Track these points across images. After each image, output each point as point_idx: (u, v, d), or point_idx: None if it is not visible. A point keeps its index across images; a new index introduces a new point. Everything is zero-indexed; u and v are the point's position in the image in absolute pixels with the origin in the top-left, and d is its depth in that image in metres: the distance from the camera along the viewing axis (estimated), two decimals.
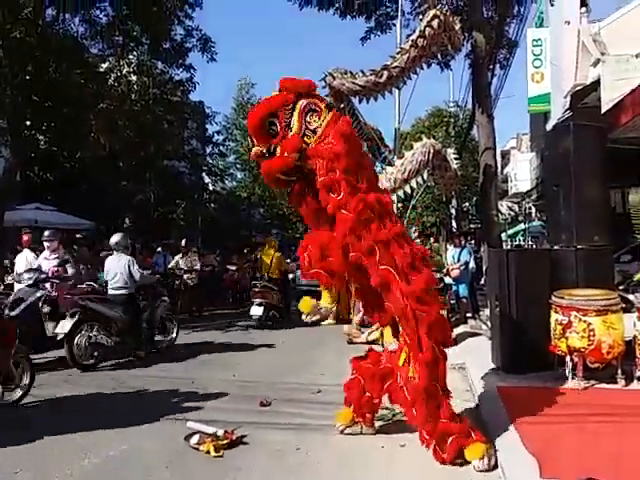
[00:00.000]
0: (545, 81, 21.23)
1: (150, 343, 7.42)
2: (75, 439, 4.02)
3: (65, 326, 6.26)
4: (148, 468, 3.55)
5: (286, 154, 3.65)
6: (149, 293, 7.71)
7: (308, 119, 3.71)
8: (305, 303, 3.84)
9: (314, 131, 3.69)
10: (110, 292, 7.03)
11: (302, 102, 3.72)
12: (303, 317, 3.97)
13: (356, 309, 8.64)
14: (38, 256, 7.77)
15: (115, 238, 7.32)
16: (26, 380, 4.96)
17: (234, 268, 14.06)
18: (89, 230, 13.70)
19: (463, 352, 6.96)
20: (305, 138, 3.69)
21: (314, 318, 4.02)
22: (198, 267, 12.12)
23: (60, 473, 3.47)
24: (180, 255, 12.13)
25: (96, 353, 6.53)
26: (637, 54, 15.85)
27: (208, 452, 3.72)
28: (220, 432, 3.90)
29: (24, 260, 7.81)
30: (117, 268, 7.04)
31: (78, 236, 11.39)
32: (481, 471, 3.38)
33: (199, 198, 21.66)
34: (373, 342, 7.80)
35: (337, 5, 11.37)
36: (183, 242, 12.36)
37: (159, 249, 13.22)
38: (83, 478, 3.44)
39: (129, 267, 7.02)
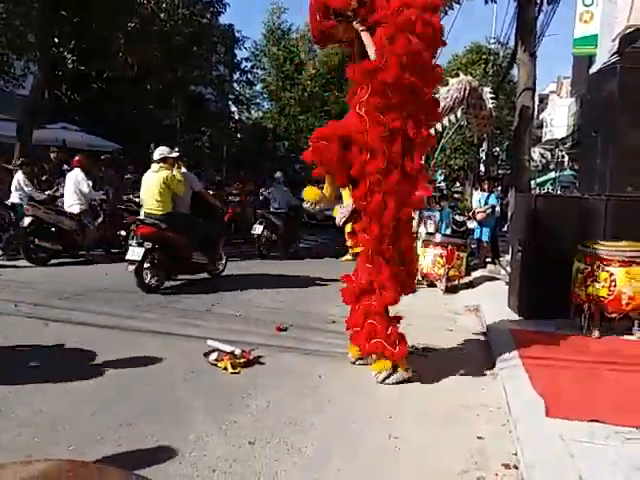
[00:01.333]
0: (594, 21, 19.91)
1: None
2: (97, 350, 4.19)
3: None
4: (167, 381, 3.73)
5: None
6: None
7: None
8: (309, 191, 3.81)
9: None
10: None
11: None
12: (306, 204, 3.92)
13: None
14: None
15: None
16: None
17: (236, 200, 13.19)
18: (114, 152, 13.75)
19: (480, 295, 7.00)
20: None
21: (318, 207, 3.99)
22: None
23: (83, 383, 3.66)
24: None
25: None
26: None
27: (225, 369, 3.89)
28: (238, 351, 4.05)
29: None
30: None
31: (103, 157, 11.44)
32: (380, 382, 3.79)
33: (225, 126, 21.41)
34: None
35: None
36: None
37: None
38: (103, 391, 3.55)
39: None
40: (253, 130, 24.99)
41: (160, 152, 6.69)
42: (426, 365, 4.16)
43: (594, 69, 18.30)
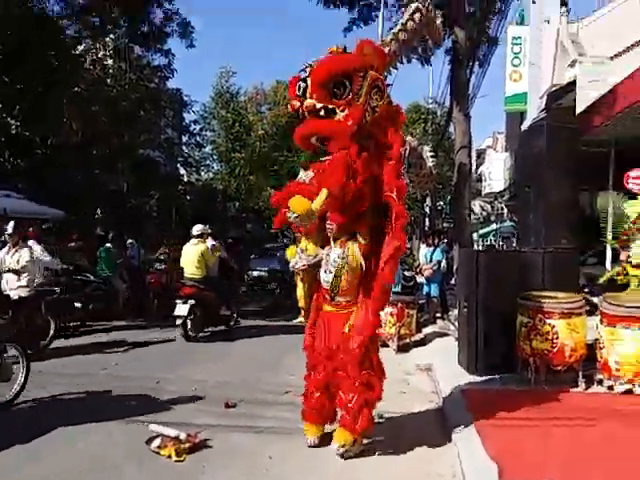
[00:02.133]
0: (523, 80, 21.44)
1: None
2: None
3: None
4: (105, 473, 3.46)
5: (350, 122, 3.44)
6: None
7: (373, 95, 3.54)
8: (298, 201, 3.69)
9: (373, 109, 3.52)
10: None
11: (373, 74, 3.55)
12: (291, 265, 3.96)
13: None
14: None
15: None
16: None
17: (161, 268, 11.01)
18: (58, 220, 13.34)
19: (431, 353, 7.01)
20: (366, 113, 3.52)
21: (300, 265, 3.94)
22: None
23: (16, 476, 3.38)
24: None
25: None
26: (612, 56, 16.11)
27: (169, 456, 3.65)
28: (183, 435, 3.83)
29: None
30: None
31: (44, 227, 11.06)
32: (339, 455, 3.65)
33: (174, 189, 21.31)
34: None
35: None
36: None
37: (130, 241, 12.87)
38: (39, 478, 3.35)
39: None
40: (203, 192, 24.97)
41: (197, 229, 8.48)
42: (382, 432, 4.06)
43: (525, 125, 19.57)
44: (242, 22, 75.10)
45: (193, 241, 8.45)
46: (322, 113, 3.48)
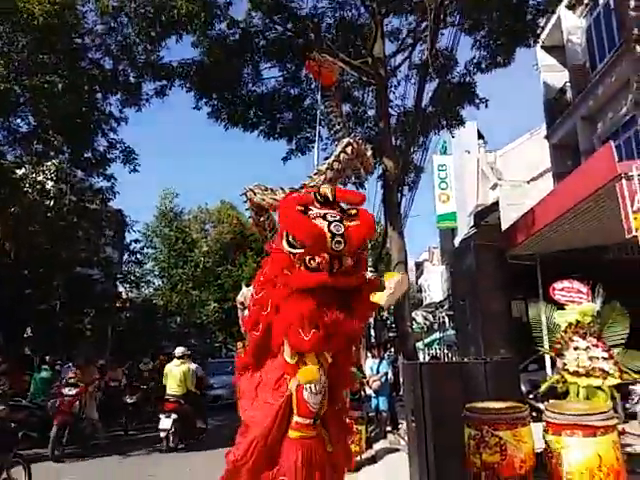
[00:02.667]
0: (451, 201, 23.36)
1: None
2: None
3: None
4: None
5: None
6: None
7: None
8: (307, 371, 3.37)
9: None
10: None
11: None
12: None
13: None
14: None
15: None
16: None
17: (72, 393, 9.40)
18: None
19: (381, 471, 6.73)
20: None
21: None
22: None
23: None
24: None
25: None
26: (528, 181, 17.99)
27: None
28: None
29: None
30: None
31: None
32: None
33: (110, 307, 20.56)
34: None
35: (261, 128, 12.15)
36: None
37: (69, 364, 12.02)
38: None
39: None
40: (143, 307, 24.24)
41: (181, 351, 9.82)
42: None
43: (457, 240, 20.89)
44: (185, 149, 78.60)
45: (176, 362, 9.66)
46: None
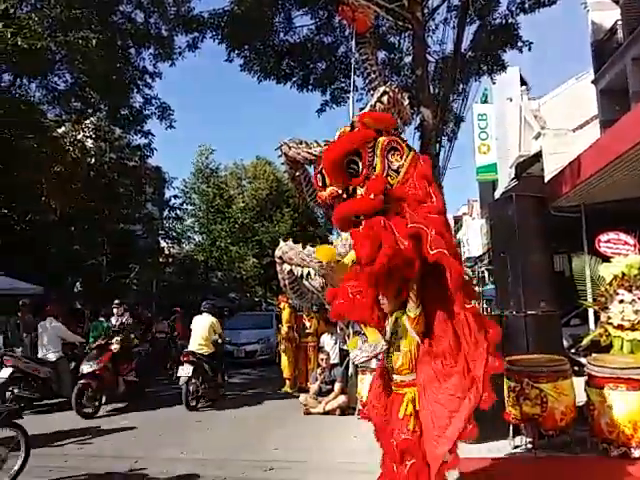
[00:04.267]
0: (491, 152, 22.57)
1: None
2: None
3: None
4: None
5: (372, 196, 3.29)
6: None
7: (390, 158, 3.38)
8: (324, 250, 3.40)
9: (397, 171, 3.37)
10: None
11: (383, 139, 3.41)
12: (352, 357, 3.63)
13: (312, 377, 8.44)
14: None
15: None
16: None
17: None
18: (37, 295, 13.10)
19: None
20: (388, 178, 3.35)
21: (361, 358, 3.73)
22: None
23: None
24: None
25: None
26: (573, 129, 17.13)
27: None
28: None
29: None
30: None
31: (22, 302, 10.84)
32: None
33: (154, 262, 21.23)
34: (330, 412, 7.60)
35: (294, 79, 11.88)
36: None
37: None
38: None
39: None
40: (184, 263, 24.94)
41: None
42: None
43: (498, 193, 20.32)
44: (220, 102, 78.30)
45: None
46: (345, 196, 3.47)
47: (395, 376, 3.44)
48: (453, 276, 2.98)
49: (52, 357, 8.54)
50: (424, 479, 3.12)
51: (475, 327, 3.16)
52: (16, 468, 4.51)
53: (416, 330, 3.28)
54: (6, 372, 7.96)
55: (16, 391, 8.07)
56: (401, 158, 3.38)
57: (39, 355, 8.62)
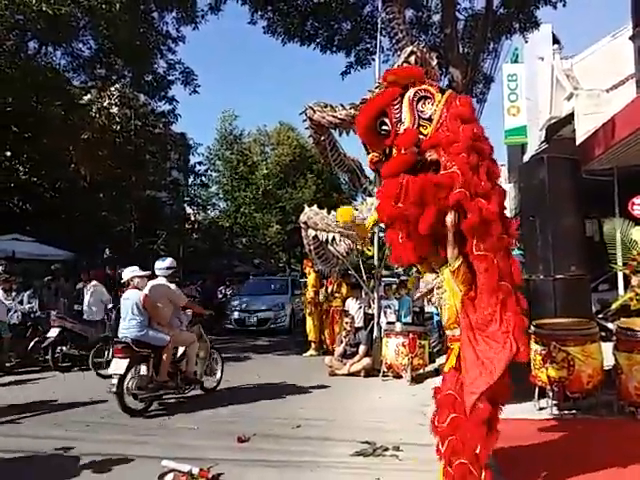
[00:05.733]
0: (521, 114, 21.85)
1: None
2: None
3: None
4: None
5: (403, 151, 3.23)
6: None
7: (420, 107, 3.28)
8: (345, 211, 3.45)
9: (429, 119, 3.25)
10: None
11: (410, 92, 3.32)
12: (338, 224, 3.54)
13: (338, 340, 8.58)
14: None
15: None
16: None
17: None
18: (68, 261, 13.49)
19: None
20: (421, 129, 3.25)
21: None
22: None
23: None
24: None
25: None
26: (607, 89, 16.44)
27: None
28: (195, 470, 3.78)
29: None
30: None
31: (54, 267, 11.18)
32: None
33: (181, 228, 21.56)
34: (354, 374, 7.74)
35: (318, 40, 11.65)
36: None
37: None
38: None
39: None
40: (210, 229, 25.26)
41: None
42: (399, 464, 3.98)
43: (527, 157, 19.81)
44: (242, 67, 77.33)
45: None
46: (384, 159, 3.45)
47: (447, 331, 3.47)
48: (471, 218, 2.97)
49: (97, 318, 9.14)
50: (464, 432, 3.12)
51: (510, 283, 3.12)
52: None
53: (457, 282, 3.21)
54: (54, 332, 8.48)
55: (64, 349, 8.59)
56: (433, 105, 3.27)
57: (85, 316, 9.18)
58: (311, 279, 10.53)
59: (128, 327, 5.95)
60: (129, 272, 6.36)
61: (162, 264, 6.49)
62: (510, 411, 5.02)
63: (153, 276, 6.53)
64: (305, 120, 7.55)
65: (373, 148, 3.49)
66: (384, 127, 3.39)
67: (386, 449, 4.31)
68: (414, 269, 10.98)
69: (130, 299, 6.06)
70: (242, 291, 15.37)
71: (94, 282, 9.52)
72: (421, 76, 3.47)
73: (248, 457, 4.31)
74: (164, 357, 5.96)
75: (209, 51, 65.43)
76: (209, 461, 4.03)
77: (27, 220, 15.72)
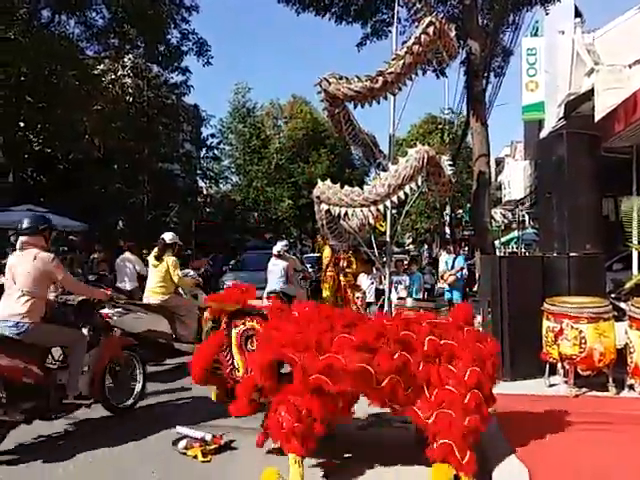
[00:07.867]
0: (539, 90, 21.39)
1: None
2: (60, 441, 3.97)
3: None
4: (134, 473, 3.50)
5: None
6: None
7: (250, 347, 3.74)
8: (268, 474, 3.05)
9: None
10: None
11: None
12: None
13: None
14: None
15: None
16: None
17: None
18: (83, 232, 13.63)
19: None
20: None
21: None
22: None
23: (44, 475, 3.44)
24: None
25: None
26: (630, 64, 16.00)
27: (195, 457, 3.68)
28: (208, 437, 3.85)
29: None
30: None
31: (71, 238, 11.33)
32: None
33: (193, 201, 21.61)
34: None
35: (334, 10, 11.41)
36: None
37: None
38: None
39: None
40: (222, 203, 25.29)
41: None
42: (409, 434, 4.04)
43: (544, 133, 19.46)
44: (255, 39, 76.24)
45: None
46: None
47: None
48: None
49: (128, 287, 9.24)
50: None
51: None
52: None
53: None
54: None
55: None
56: None
57: (117, 284, 9.32)
58: (326, 253, 10.52)
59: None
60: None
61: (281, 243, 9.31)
62: (521, 387, 5.08)
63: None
64: (319, 92, 7.43)
65: None
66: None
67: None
68: (425, 246, 10.89)
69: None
70: (237, 266, 15.08)
71: (127, 253, 9.56)
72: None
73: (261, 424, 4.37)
74: None
75: (222, 22, 64.51)
76: (221, 428, 4.11)
77: (41, 191, 15.85)
